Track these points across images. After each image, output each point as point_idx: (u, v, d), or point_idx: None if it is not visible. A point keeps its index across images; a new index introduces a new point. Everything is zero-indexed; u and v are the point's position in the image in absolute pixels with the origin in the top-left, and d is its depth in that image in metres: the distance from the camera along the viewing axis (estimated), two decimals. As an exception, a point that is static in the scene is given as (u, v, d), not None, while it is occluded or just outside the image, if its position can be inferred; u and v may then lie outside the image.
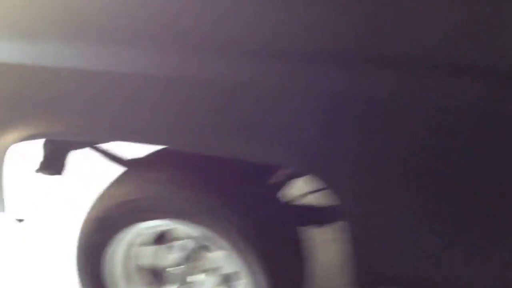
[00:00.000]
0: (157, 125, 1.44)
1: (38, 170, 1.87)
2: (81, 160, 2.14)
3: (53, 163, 1.88)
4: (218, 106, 1.36)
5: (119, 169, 1.93)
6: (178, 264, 1.75)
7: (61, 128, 1.54)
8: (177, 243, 1.72)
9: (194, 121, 1.40)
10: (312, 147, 1.33)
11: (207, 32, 1.33)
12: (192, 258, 1.73)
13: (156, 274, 1.81)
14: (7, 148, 1.63)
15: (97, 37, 1.41)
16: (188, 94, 1.38)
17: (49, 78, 1.48)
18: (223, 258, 1.66)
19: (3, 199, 1.74)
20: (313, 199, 2.03)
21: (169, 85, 1.38)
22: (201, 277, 1.74)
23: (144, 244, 1.75)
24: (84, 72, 1.43)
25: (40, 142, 1.81)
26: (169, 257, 1.75)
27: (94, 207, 1.68)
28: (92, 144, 1.95)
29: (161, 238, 1.74)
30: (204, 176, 1.60)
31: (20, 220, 1.90)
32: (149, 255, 1.77)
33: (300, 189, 2.14)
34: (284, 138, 1.35)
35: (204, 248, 1.70)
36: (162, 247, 1.74)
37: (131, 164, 1.89)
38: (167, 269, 1.77)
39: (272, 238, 1.60)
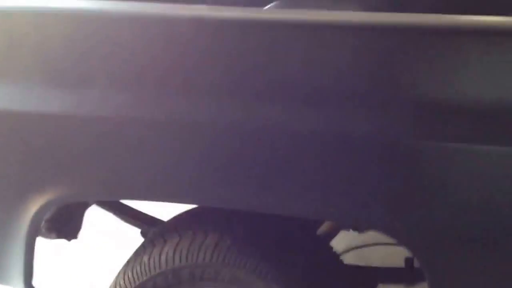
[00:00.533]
0: (185, 180, 1.27)
1: (42, 234, 1.61)
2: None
3: (65, 224, 1.63)
4: (257, 157, 1.22)
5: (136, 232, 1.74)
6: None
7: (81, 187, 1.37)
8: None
9: (230, 174, 1.25)
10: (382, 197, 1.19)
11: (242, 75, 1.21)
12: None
13: None
14: (41, 215, 1.41)
15: (95, 82, 1.28)
16: (222, 143, 1.23)
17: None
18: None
19: (31, 278, 1.47)
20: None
21: (202, 133, 1.23)
22: None
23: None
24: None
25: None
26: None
27: (121, 280, 1.44)
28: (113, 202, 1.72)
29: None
30: (248, 237, 1.40)
31: None
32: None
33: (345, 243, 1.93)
34: (348, 189, 1.19)
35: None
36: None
37: (160, 228, 1.65)
38: None
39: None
